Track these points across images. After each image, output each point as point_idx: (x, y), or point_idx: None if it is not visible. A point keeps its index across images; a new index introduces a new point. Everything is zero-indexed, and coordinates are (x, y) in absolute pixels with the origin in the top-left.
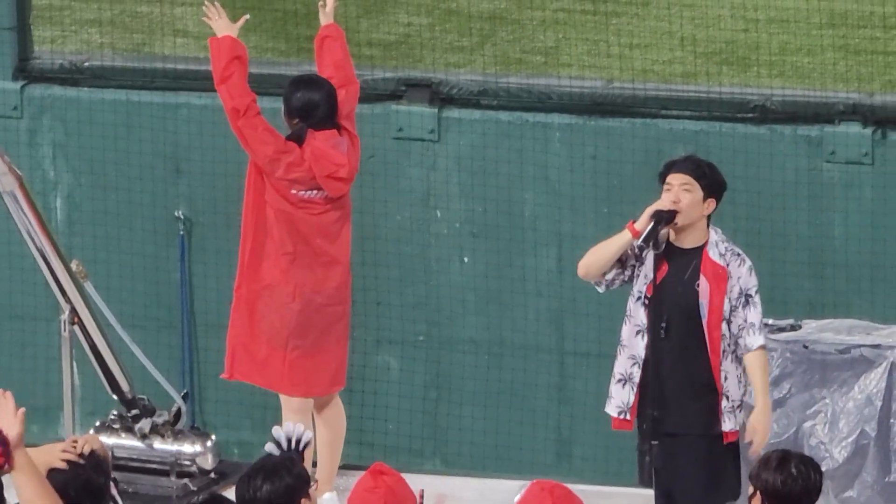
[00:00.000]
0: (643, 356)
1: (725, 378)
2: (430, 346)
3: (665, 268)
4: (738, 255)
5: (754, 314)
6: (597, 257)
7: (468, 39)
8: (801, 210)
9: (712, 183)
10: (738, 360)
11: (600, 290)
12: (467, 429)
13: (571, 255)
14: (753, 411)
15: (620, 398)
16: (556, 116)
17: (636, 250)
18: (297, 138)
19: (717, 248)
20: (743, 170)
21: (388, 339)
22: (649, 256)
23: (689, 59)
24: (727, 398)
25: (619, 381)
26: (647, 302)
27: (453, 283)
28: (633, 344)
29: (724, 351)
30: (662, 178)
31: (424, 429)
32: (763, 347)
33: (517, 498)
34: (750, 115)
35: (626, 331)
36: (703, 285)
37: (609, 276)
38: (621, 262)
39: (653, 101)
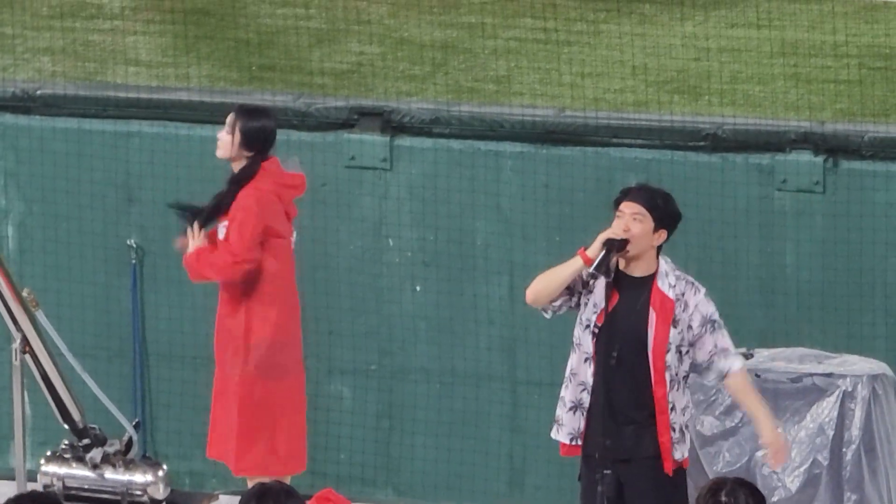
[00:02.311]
0: (591, 383)
1: (672, 408)
2: (381, 375)
3: (616, 297)
4: (692, 283)
5: (724, 339)
6: (546, 283)
7: (420, 68)
8: (753, 238)
9: (664, 215)
10: (685, 391)
11: (547, 315)
12: (419, 458)
13: (523, 284)
14: (762, 433)
15: (572, 425)
16: (508, 145)
17: (587, 277)
18: (251, 172)
19: (668, 278)
20: (694, 198)
21: (340, 369)
22: (599, 285)
23: (641, 87)
24: (674, 429)
25: (571, 408)
26: (595, 330)
27: (405, 311)
28: (581, 371)
29: (671, 381)
30: (617, 205)
31: (377, 458)
32: (743, 368)
33: None
34: (701, 143)
35: (575, 359)
36: (651, 316)
37: (557, 303)
38: (569, 289)
39: (604, 129)
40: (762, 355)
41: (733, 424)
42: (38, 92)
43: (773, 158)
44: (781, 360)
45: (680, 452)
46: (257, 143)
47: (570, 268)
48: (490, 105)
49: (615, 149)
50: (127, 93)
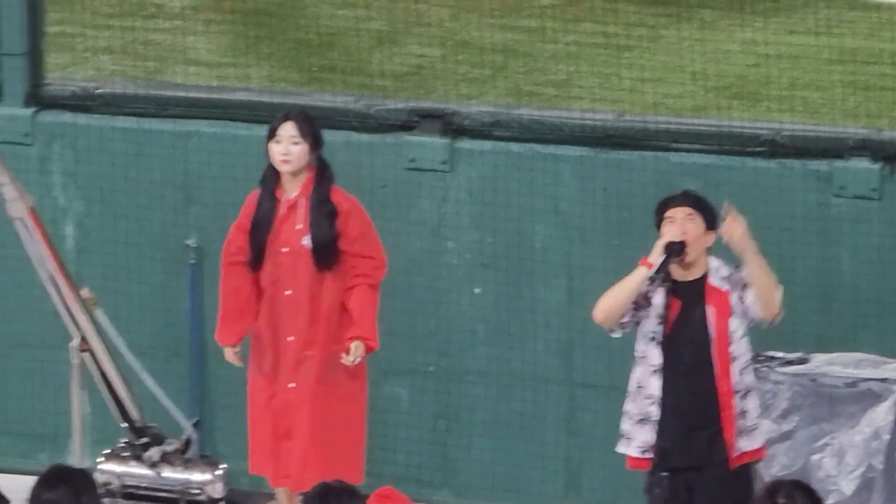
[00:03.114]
0: (660, 395)
1: (742, 398)
2: (439, 377)
3: (677, 305)
4: (737, 268)
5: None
6: (614, 298)
7: (480, 71)
8: (810, 244)
9: (711, 216)
10: (755, 379)
11: (616, 335)
12: (476, 459)
13: (581, 287)
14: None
15: (642, 438)
16: (568, 148)
17: (647, 283)
18: (330, 174)
19: (719, 272)
20: (752, 204)
21: (398, 370)
22: (658, 295)
23: (700, 93)
24: (744, 417)
25: (640, 421)
26: (662, 340)
27: (463, 313)
28: (649, 384)
29: (739, 371)
30: (660, 215)
31: (434, 459)
32: None
33: None
34: (760, 149)
35: (640, 372)
36: (710, 314)
37: (625, 319)
38: (634, 303)
39: (663, 134)
40: (818, 360)
41: (789, 428)
42: (98, 91)
43: (830, 165)
44: (838, 365)
45: (750, 441)
46: (322, 140)
47: (637, 278)
48: (550, 109)
49: (674, 154)
50: (187, 92)
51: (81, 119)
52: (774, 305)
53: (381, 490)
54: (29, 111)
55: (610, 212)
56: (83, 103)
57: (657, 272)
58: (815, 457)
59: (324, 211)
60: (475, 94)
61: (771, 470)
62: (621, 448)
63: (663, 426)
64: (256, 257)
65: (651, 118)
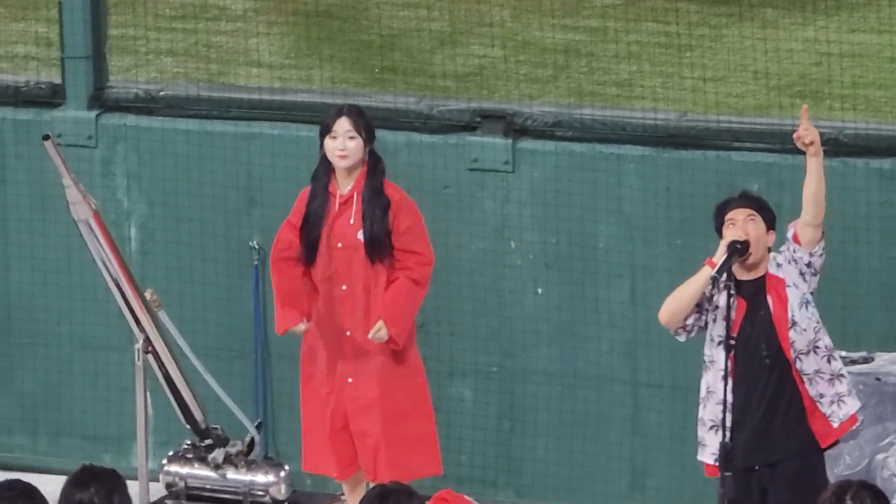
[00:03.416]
0: (731, 400)
1: (811, 381)
2: (503, 377)
3: (742, 306)
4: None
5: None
6: (678, 300)
7: (542, 71)
8: (873, 243)
9: (771, 215)
10: (823, 358)
11: (681, 339)
12: (540, 459)
13: (645, 287)
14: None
15: (715, 445)
16: (630, 148)
17: (709, 283)
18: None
19: (775, 260)
20: None
21: (462, 371)
22: (722, 298)
23: (762, 92)
24: (821, 398)
25: (712, 427)
26: (731, 343)
27: (527, 314)
28: (719, 389)
29: (807, 353)
30: (719, 217)
31: (497, 459)
32: None
33: None
34: (823, 147)
35: (710, 377)
36: (770, 303)
37: (689, 321)
38: (698, 305)
39: (725, 133)
40: (882, 359)
41: (854, 428)
42: (161, 93)
43: (893, 163)
44: None
45: (833, 421)
46: (374, 133)
47: (701, 278)
48: (612, 108)
49: (736, 153)
50: (249, 94)
51: (144, 121)
52: (821, 213)
53: (439, 493)
54: (92, 114)
55: (672, 211)
56: (146, 105)
57: (719, 272)
58: (880, 456)
59: (377, 204)
60: (537, 95)
61: (836, 469)
62: (699, 455)
63: (735, 427)
64: (309, 252)
65: (713, 117)
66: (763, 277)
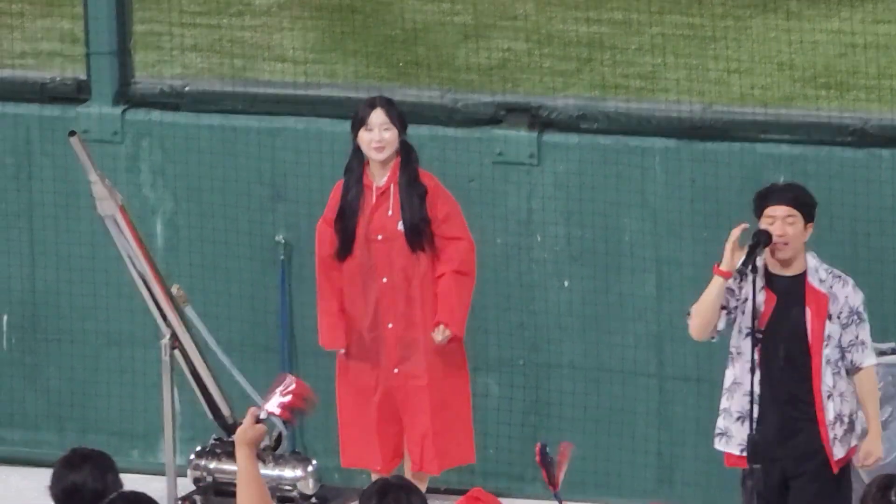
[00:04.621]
0: (758, 391)
1: (832, 398)
2: (529, 371)
3: (773, 300)
4: (840, 276)
5: (865, 332)
6: (702, 314)
7: (567, 64)
8: None
9: (810, 209)
10: (849, 382)
11: (715, 340)
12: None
13: (670, 280)
14: (868, 436)
15: (741, 436)
16: (655, 140)
17: (736, 277)
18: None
19: (818, 273)
20: (840, 194)
21: (488, 364)
22: (749, 289)
23: (787, 83)
24: (841, 420)
25: (738, 419)
26: (759, 336)
27: (553, 307)
28: (746, 380)
29: (833, 374)
30: (759, 208)
31: (524, 454)
32: (874, 366)
33: None
34: (848, 139)
35: (738, 368)
36: (808, 313)
37: (721, 326)
38: (724, 307)
39: (751, 125)
40: None
41: (883, 419)
42: (186, 88)
43: None
44: None
45: (845, 446)
46: (406, 123)
47: (714, 288)
48: (636, 101)
49: (761, 144)
50: (274, 89)
51: (170, 117)
52: None
53: (471, 492)
54: (118, 110)
55: (697, 204)
56: (171, 101)
57: (744, 264)
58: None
59: (415, 192)
60: (561, 88)
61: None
62: (720, 445)
63: (761, 420)
64: (345, 245)
65: (738, 109)
66: (800, 278)
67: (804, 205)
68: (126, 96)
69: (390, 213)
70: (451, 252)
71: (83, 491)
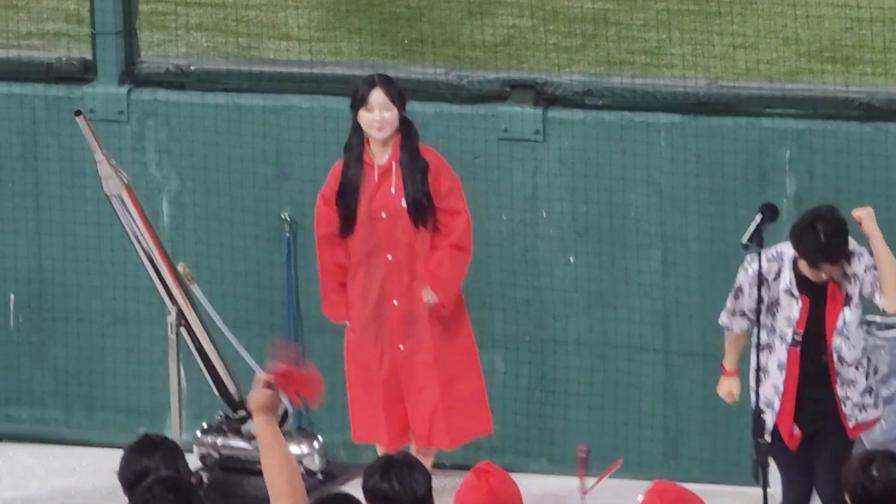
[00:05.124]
0: (782, 388)
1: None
2: (535, 347)
3: (806, 302)
4: (853, 253)
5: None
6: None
7: (572, 40)
8: None
9: (847, 249)
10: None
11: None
12: (573, 429)
13: (676, 255)
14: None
15: (767, 422)
16: (660, 116)
17: (743, 248)
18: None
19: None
20: (847, 169)
21: (494, 340)
22: (787, 299)
23: (793, 58)
24: (846, 400)
25: (766, 404)
26: (793, 342)
27: (558, 283)
28: (775, 375)
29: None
30: (811, 259)
31: (530, 429)
32: None
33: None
34: (854, 113)
35: (772, 363)
36: (829, 311)
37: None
38: (745, 316)
39: (756, 100)
40: None
41: (889, 393)
42: (192, 68)
43: None
44: None
45: (863, 415)
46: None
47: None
48: (642, 76)
49: (767, 119)
50: (279, 67)
51: (175, 96)
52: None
53: (479, 465)
54: (123, 89)
55: (703, 179)
56: (177, 80)
57: (751, 239)
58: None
59: (417, 168)
60: (566, 64)
61: (871, 435)
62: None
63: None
64: (347, 223)
65: (744, 84)
66: (827, 282)
67: (844, 253)
68: (131, 76)
69: (393, 190)
70: (451, 225)
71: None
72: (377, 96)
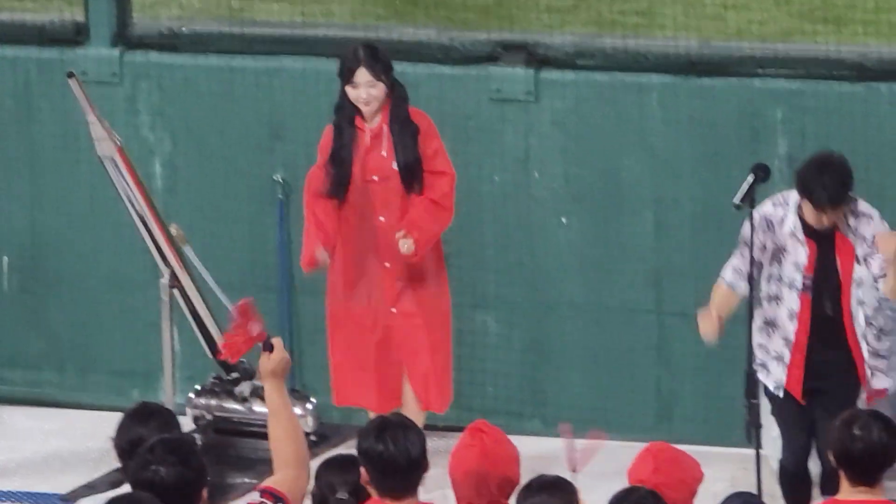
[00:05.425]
0: (794, 340)
1: (869, 337)
2: (528, 309)
3: (814, 247)
4: (864, 214)
5: None
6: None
7: (563, 1)
8: None
9: (850, 192)
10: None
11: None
12: (567, 391)
13: (668, 217)
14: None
15: (776, 376)
16: (652, 77)
17: (735, 209)
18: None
19: (847, 220)
20: (839, 129)
21: (487, 303)
22: (794, 244)
23: (784, 18)
24: (876, 356)
25: (776, 357)
26: (803, 288)
27: (552, 245)
28: (786, 327)
29: (866, 316)
30: (810, 196)
31: (524, 391)
32: None
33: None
34: (846, 73)
35: (773, 311)
36: (839, 263)
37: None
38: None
39: (748, 60)
40: None
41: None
42: (184, 30)
43: None
44: None
45: (875, 381)
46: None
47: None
48: (633, 37)
49: (759, 79)
50: (272, 29)
51: (168, 58)
52: None
53: (474, 424)
54: (116, 51)
55: (695, 140)
56: (169, 42)
57: (742, 199)
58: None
59: (408, 132)
60: (558, 25)
61: (863, 395)
62: (761, 375)
63: (798, 363)
64: (340, 187)
65: (735, 44)
66: (832, 230)
67: (848, 199)
68: (124, 38)
69: (384, 153)
70: (434, 186)
71: None
72: (362, 75)
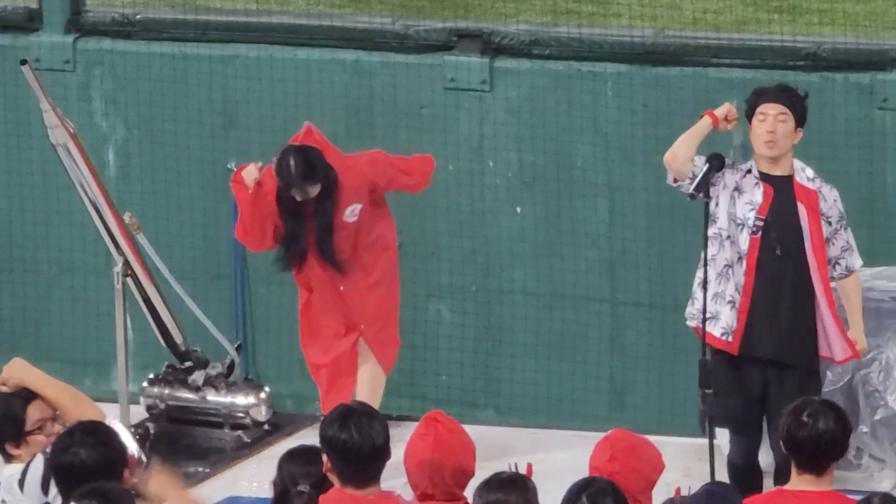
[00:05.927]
0: (743, 283)
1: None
2: (482, 298)
3: (770, 191)
4: (826, 181)
5: (851, 236)
6: (682, 141)
7: None
8: (854, 158)
9: (803, 113)
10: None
11: (684, 188)
12: (520, 380)
13: (622, 205)
14: (851, 329)
15: (727, 320)
16: (607, 66)
17: (688, 198)
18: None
19: (805, 172)
20: None
21: (440, 291)
22: (750, 183)
23: (740, 7)
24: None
25: (730, 302)
26: (755, 229)
27: (505, 233)
28: (735, 269)
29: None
30: (752, 106)
31: (477, 380)
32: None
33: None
34: (801, 62)
35: (729, 254)
36: (801, 210)
37: (684, 179)
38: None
39: (703, 49)
40: (864, 274)
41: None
42: (138, 17)
43: (873, 77)
44: (883, 280)
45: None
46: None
47: (699, 126)
48: (589, 26)
49: (714, 69)
50: (226, 17)
51: (121, 45)
52: None
53: (430, 413)
54: (69, 38)
55: (650, 129)
56: (123, 29)
57: (697, 189)
58: (862, 371)
59: (323, 225)
60: (513, 13)
61: None
62: (694, 322)
63: (752, 316)
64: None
65: (691, 34)
66: (789, 180)
67: (797, 106)
68: (77, 25)
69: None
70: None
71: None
72: (304, 192)
